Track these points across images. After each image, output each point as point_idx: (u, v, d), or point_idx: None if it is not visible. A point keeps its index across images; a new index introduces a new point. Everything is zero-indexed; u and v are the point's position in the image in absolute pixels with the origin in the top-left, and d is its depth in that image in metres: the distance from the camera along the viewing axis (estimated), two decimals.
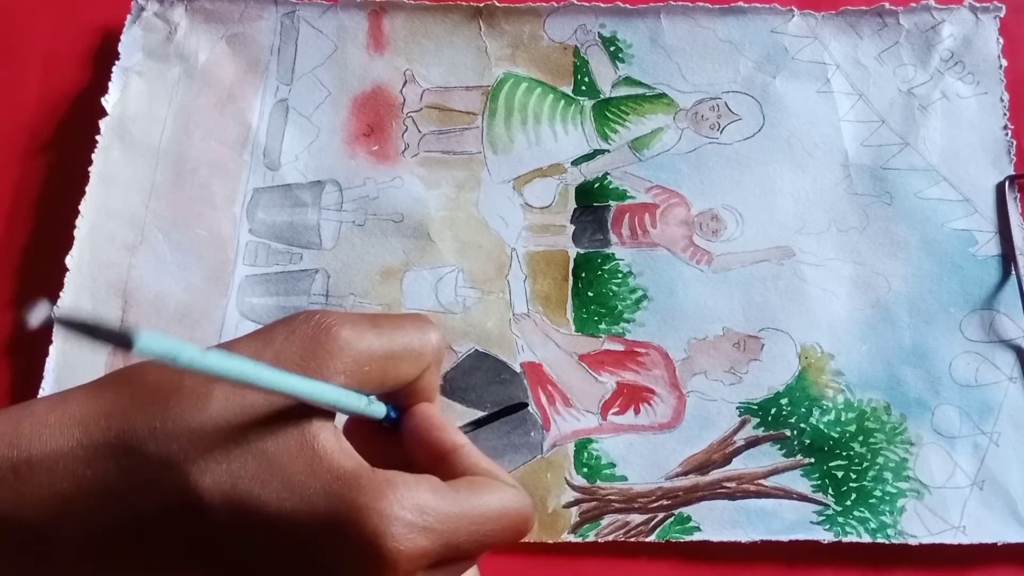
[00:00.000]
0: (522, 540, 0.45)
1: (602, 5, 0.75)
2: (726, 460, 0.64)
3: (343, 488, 0.39)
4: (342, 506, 0.39)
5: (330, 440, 0.41)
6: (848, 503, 0.63)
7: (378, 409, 0.45)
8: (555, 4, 0.76)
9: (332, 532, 0.39)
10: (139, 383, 0.42)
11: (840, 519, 0.63)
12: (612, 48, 0.75)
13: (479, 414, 0.65)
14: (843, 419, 0.65)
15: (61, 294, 0.67)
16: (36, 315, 0.31)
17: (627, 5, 0.75)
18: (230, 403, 0.40)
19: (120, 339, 0.32)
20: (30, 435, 0.41)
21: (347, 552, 0.39)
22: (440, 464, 0.45)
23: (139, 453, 0.40)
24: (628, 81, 0.74)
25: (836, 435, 0.65)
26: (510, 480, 0.45)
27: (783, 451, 0.64)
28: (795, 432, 0.65)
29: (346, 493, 0.39)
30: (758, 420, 0.65)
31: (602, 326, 0.68)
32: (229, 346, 0.43)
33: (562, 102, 0.74)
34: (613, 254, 0.70)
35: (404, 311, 0.68)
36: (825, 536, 0.62)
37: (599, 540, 0.62)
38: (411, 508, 0.39)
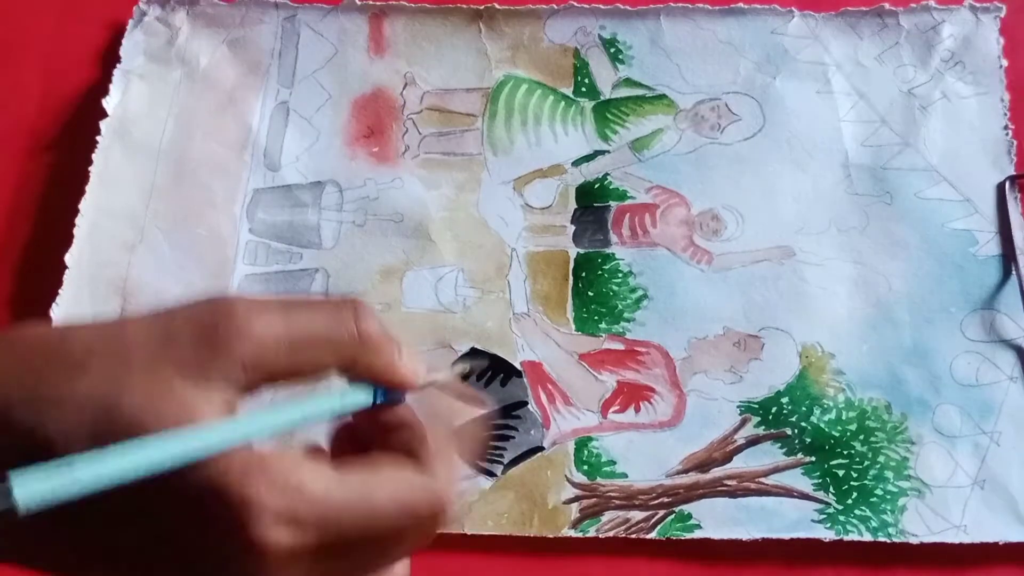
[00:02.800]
0: (438, 533, 0.40)
1: (602, 7, 0.75)
2: (727, 458, 0.64)
3: (213, 463, 0.36)
4: (207, 483, 0.36)
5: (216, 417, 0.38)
6: (849, 502, 0.63)
7: (356, 400, 0.42)
8: (555, 6, 0.76)
9: (196, 508, 0.36)
10: (20, 346, 0.39)
11: (841, 518, 0.62)
12: (612, 49, 0.75)
13: (479, 412, 0.65)
14: (844, 418, 0.65)
15: (60, 292, 0.67)
16: None
17: (627, 7, 0.75)
18: (106, 376, 0.37)
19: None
20: None
21: (210, 533, 0.36)
22: (384, 437, 0.42)
23: (10, 420, 0.37)
24: (628, 82, 0.74)
25: (837, 434, 0.64)
26: (433, 464, 0.41)
27: (784, 450, 0.64)
28: (796, 431, 0.65)
29: (212, 469, 0.36)
30: (759, 419, 0.65)
31: (602, 325, 0.68)
32: (121, 324, 0.39)
33: (562, 103, 0.74)
34: (613, 254, 0.70)
35: (404, 310, 0.68)
36: (826, 535, 0.62)
37: (599, 536, 0.62)
38: (281, 494, 0.36)
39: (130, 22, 0.76)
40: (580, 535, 0.62)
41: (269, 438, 0.38)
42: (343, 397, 0.41)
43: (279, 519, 0.36)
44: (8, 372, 0.37)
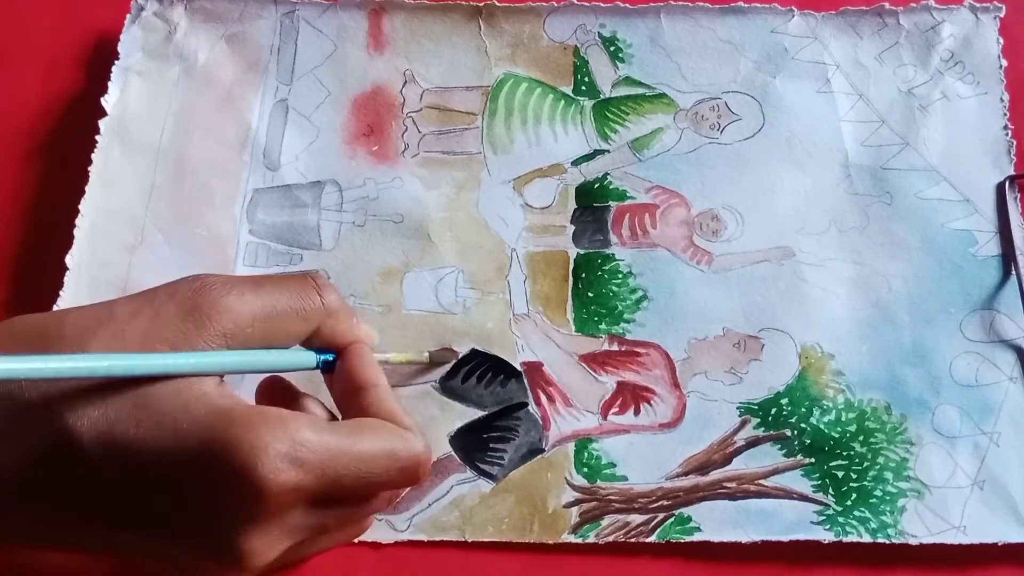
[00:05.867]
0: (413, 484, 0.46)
1: (602, 5, 0.75)
2: (726, 460, 0.64)
3: (215, 421, 0.41)
4: (213, 438, 0.40)
5: (209, 384, 0.43)
6: (848, 503, 0.63)
7: (306, 359, 0.48)
8: (555, 4, 0.76)
9: (203, 464, 0.40)
10: (20, 332, 0.43)
11: (840, 519, 0.62)
12: (612, 48, 0.75)
13: (479, 414, 0.65)
14: (843, 419, 0.65)
15: (61, 293, 0.67)
16: None
17: (627, 5, 0.75)
18: (109, 351, 0.41)
19: None
20: None
21: (219, 483, 0.40)
22: (351, 401, 0.47)
23: (20, 400, 0.41)
24: (628, 81, 0.74)
25: (836, 435, 0.65)
26: (408, 424, 0.46)
27: (783, 451, 0.64)
28: (795, 432, 0.65)
29: (218, 425, 0.40)
30: (758, 420, 0.65)
31: (602, 326, 0.68)
32: (110, 305, 0.44)
33: (562, 102, 0.74)
34: (613, 254, 0.70)
35: (405, 312, 0.68)
36: (825, 536, 0.62)
37: (599, 541, 0.62)
38: (284, 440, 0.40)
39: (128, 17, 0.76)
40: (580, 540, 0.62)
41: (229, 374, 0.43)
42: (293, 356, 0.47)
43: (283, 459, 0.40)
44: (9, 352, 0.39)
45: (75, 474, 0.41)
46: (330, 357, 0.50)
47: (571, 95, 0.74)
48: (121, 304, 0.43)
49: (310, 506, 0.42)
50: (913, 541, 0.62)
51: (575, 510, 0.63)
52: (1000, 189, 0.70)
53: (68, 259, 0.68)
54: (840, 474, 0.64)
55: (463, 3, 0.76)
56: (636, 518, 0.62)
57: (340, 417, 0.50)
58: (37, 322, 0.44)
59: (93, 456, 0.40)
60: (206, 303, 0.43)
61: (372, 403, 0.47)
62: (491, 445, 0.64)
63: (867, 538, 0.62)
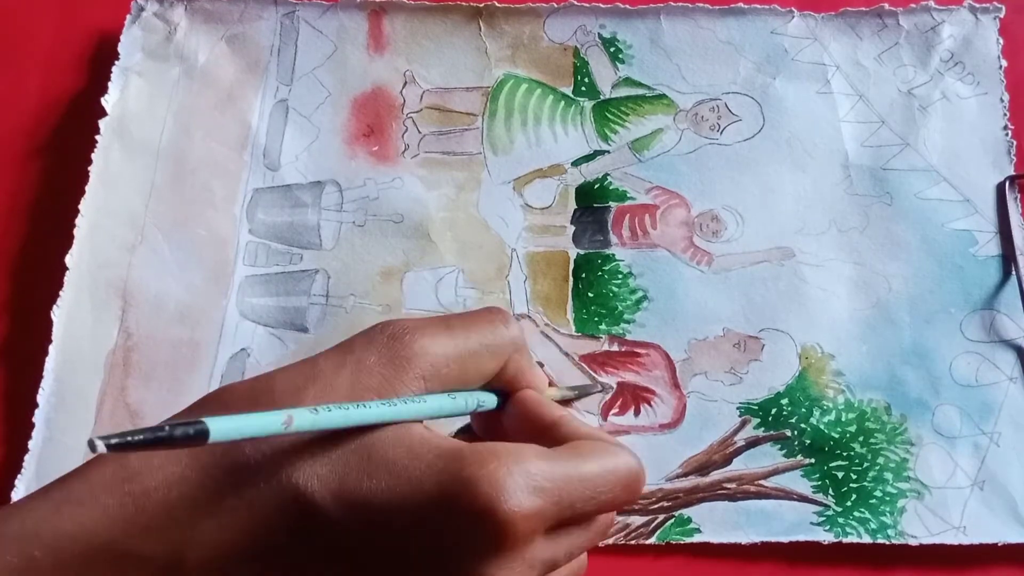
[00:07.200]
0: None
1: (602, 6, 0.75)
2: (726, 461, 0.64)
3: (447, 463, 0.41)
4: (449, 479, 0.40)
5: (421, 428, 0.43)
6: (848, 504, 0.63)
7: (488, 400, 0.49)
8: (555, 5, 0.76)
9: (444, 507, 0.40)
10: (232, 400, 0.44)
11: (840, 520, 0.62)
12: (612, 49, 0.75)
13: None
14: (843, 419, 0.65)
15: (61, 293, 0.67)
16: (99, 447, 0.32)
17: (627, 6, 0.75)
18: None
19: (192, 438, 0.34)
20: (140, 467, 0.42)
21: (463, 523, 0.40)
22: (543, 437, 0.46)
23: (246, 467, 0.41)
24: (628, 82, 0.74)
25: (836, 435, 0.64)
26: (614, 440, 0.47)
27: (783, 451, 0.64)
28: (795, 432, 0.65)
29: (451, 466, 0.41)
30: (758, 420, 0.65)
31: (602, 327, 0.68)
32: (313, 361, 0.45)
33: (562, 103, 0.74)
34: (613, 255, 0.70)
35: (405, 312, 0.68)
36: (825, 537, 0.62)
37: (599, 543, 0.62)
38: (519, 472, 0.40)
39: (128, 18, 0.76)
40: None
41: (426, 419, 0.44)
42: (477, 398, 0.48)
43: (523, 491, 0.40)
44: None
45: (313, 534, 0.41)
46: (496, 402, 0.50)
47: (571, 96, 0.74)
48: (323, 360, 0.44)
49: (546, 536, 0.43)
50: (913, 542, 0.62)
51: None
52: (1000, 189, 0.70)
53: (68, 259, 0.68)
54: (840, 475, 0.64)
55: (463, 4, 0.76)
56: (636, 519, 0.62)
57: None
58: (245, 387, 0.44)
59: (329, 512, 0.40)
60: (403, 349, 0.44)
61: (571, 432, 0.47)
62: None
63: (867, 539, 0.62)
